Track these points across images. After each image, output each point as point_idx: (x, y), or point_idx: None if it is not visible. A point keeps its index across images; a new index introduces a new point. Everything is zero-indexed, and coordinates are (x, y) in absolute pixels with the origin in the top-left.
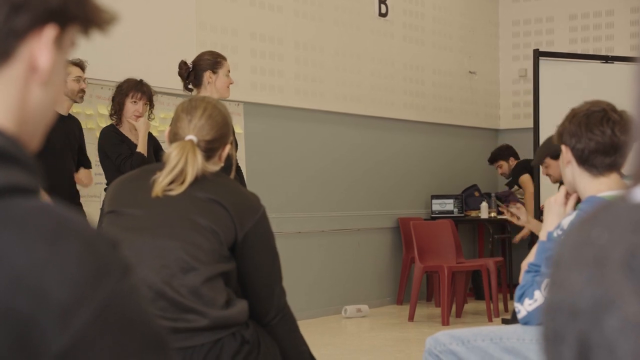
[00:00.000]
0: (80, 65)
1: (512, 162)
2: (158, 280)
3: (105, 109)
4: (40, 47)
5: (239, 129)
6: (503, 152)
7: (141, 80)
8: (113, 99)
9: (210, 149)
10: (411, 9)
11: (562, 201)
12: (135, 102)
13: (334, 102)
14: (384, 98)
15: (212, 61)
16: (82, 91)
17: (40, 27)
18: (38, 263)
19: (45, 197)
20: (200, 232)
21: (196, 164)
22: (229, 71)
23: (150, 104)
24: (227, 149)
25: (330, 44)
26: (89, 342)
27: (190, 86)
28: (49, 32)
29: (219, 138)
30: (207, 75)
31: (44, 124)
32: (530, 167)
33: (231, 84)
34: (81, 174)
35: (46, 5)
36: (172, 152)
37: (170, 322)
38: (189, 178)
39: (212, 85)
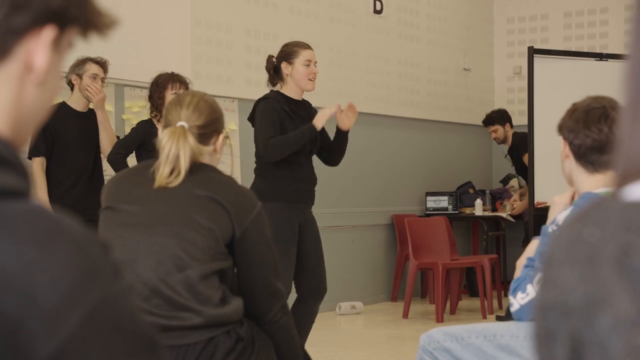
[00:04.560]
0: (101, 64)
1: (508, 128)
2: (153, 277)
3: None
4: (38, 48)
5: (233, 125)
6: (500, 116)
7: (173, 73)
8: (150, 97)
9: (203, 134)
10: (406, 6)
11: (568, 202)
12: (175, 92)
13: (329, 98)
14: (379, 95)
15: (286, 51)
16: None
17: (40, 27)
18: (28, 266)
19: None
20: (196, 229)
21: (188, 145)
22: (309, 61)
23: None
24: (222, 138)
25: (325, 41)
26: (78, 346)
27: (275, 82)
28: (48, 33)
29: (210, 123)
30: (283, 67)
31: (35, 124)
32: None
33: (313, 74)
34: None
35: (47, 6)
36: (163, 138)
37: (164, 320)
38: (183, 161)
39: (290, 77)
